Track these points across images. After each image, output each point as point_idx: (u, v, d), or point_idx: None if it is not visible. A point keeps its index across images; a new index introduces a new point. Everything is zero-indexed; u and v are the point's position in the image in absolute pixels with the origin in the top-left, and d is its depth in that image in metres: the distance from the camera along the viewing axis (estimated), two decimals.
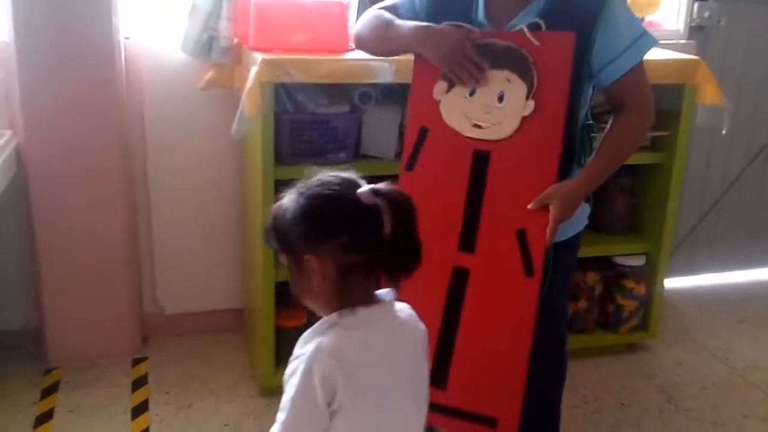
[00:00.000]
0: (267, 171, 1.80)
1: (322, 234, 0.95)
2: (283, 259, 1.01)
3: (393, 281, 1.00)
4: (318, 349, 0.93)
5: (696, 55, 2.19)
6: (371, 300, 1.00)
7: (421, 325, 1.08)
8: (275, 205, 1.00)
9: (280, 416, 0.95)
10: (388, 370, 1.00)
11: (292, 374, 0.95)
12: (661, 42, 2.19)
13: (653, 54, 2.04)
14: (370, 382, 0.97)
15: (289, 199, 0.98)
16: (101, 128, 1.95)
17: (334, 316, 0.97)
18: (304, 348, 0.96)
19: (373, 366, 0.97)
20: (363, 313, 0.97)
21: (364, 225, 0.95)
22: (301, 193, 0.98)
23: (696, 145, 2.56)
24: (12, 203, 2.00)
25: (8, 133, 1.93)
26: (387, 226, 0.94)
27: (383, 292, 1.02)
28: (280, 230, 0.98)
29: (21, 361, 2.08)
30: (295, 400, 0.93)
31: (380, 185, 0.97)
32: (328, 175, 0.99)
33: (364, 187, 0.96)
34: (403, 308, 1.06)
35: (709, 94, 2.00)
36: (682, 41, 2.49)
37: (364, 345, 0.97)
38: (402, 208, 0.96)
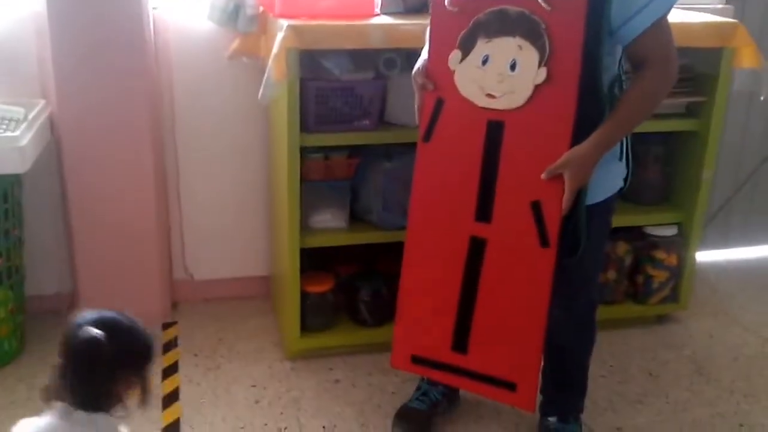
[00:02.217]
0: (292, 138, 1.81)
1: None
2: None
3: None
4: None
5: (734, 19, 2.11)
6: None
7: None
8: None
9: None
10: None
11: None
12: (698, 7, 2.14)
13: (690, 17, 1.99)
14: None
15: None
16: (132, 98, 1.98)
17: None
18: None
19: None
20: None
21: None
22: None
23: (733, 113, 2.48)
24: (46, 171, 2.05)
25: (42, 102, 1.98)
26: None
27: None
28: None
29: (56, 324, 2.13)
30: None
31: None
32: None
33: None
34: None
35: (747, 57, 1.93)
36: (720, 6, 2.41)
37: None
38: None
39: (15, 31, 1.98)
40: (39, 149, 1.88)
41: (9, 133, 1.78)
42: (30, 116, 1.88)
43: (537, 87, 1.36)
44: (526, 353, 1.44)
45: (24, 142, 1.75)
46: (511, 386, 1.45)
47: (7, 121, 1.86)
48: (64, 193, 2.06)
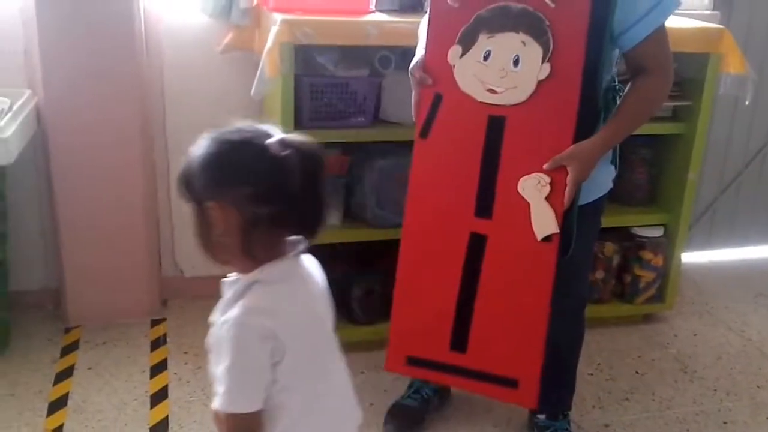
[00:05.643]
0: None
1: (226, 181, 0.92)
2: (189, 208, 0.96)
3: (300, 236, 0.99)
4: (246, 313, 0.91)
5: (720, 25, 2.15)
6: (283, 253, 0.97)
7: (322, 275, 1.05)
8: (189, 151, 0.96)
9: (220, 388, 0.93)
10: (315, 319, 1.00)
11: (219, 344, 0.93)
12: (685, 12, 2.18)
13: (677, 23, 2.02)
14: (304, 332, 0.96)
15: (199, 145, 0.95)
16: (121, 90, 1.95)
17: (255, 273, 0.95)
18: (226, 315, 0.93)
19: (303, 317, 0.97)
20: (281, 266, 0.95)
21: (270, 176, 0.91)
22: (212, 139, 0.95)
23: (718, 117, 2.53)
24: (32, 163, 2.02)
25: (28, 92, 1.94)
26: (295, 180, 0.91)
27: (292, 243, 0.99)
28: (188, 176, 0.95)
29: (41, 320, 2.11)
30: (233, 368, 0.91)
31: (291, 136, 0.94)
32: (245, 124, 0.95)
33: (274, 137, 0.93)
34: (307, 259, 1.03)
35: (733, 63, 1.97)
36: (707, 12, 2.45)
37: (292, 297, 0.96)
38: (311, 160, 0.93)
39: (1, 22, 1.94)
40: (24, 141, 1.84)
41: None
42: (15, 107, 1.84)
43: (540, 83, 1.37)
44: (528, 349, 1.43)
45: (8, 133, 1.71)
46: (513, 383, 1.44)
47: None
48: (49, 186, 2.02)
